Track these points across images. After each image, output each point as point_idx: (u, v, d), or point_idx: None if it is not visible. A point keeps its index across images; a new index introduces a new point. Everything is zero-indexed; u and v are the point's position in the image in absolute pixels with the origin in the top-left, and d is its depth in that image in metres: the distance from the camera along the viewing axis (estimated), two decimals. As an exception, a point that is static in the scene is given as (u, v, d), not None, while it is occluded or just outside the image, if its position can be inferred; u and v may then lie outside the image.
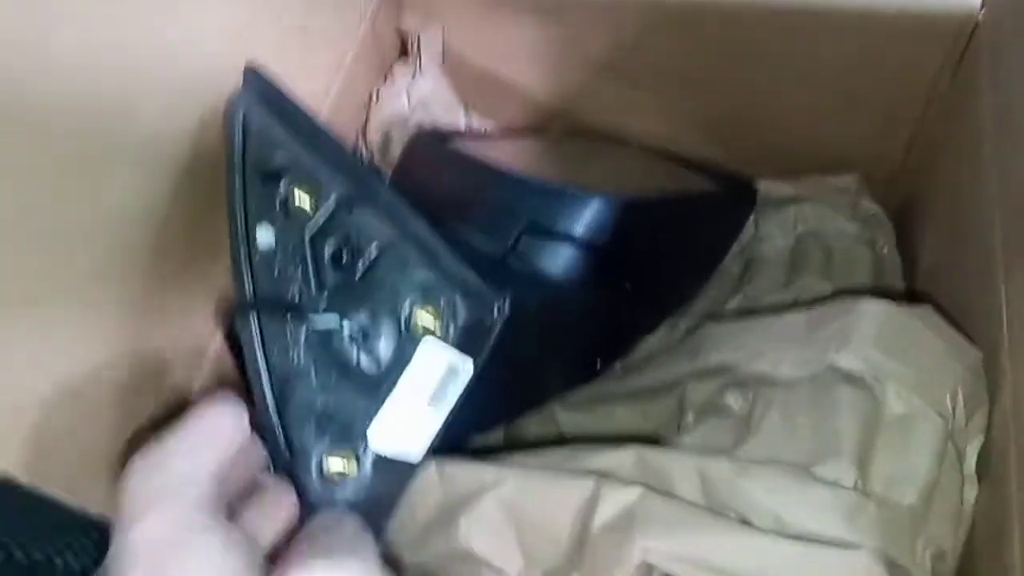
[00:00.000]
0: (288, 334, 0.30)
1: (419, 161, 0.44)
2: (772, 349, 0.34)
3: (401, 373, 0.29)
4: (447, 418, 0.30)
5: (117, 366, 0.33)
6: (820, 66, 0.47)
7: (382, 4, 0.48)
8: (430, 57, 0.50)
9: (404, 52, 0.52)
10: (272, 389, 0.30)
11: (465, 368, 0.30)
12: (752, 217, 0.52)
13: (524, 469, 0.31)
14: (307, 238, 0.30)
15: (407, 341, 0.30)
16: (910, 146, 0.50)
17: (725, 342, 0.37)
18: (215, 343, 0.39)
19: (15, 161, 0.26)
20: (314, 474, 0.29)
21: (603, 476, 0.30)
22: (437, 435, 0.30)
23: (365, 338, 0.30)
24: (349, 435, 0.29)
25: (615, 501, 0.29)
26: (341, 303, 0.30)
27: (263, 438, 0.30)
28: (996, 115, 0.38)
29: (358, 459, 0.29)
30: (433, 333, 0.29)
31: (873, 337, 0.32)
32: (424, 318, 0.30)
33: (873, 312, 0.33)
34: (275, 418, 0.29)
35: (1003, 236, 0.35)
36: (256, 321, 0.30)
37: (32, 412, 0.28)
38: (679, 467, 0.30)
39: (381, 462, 0.30)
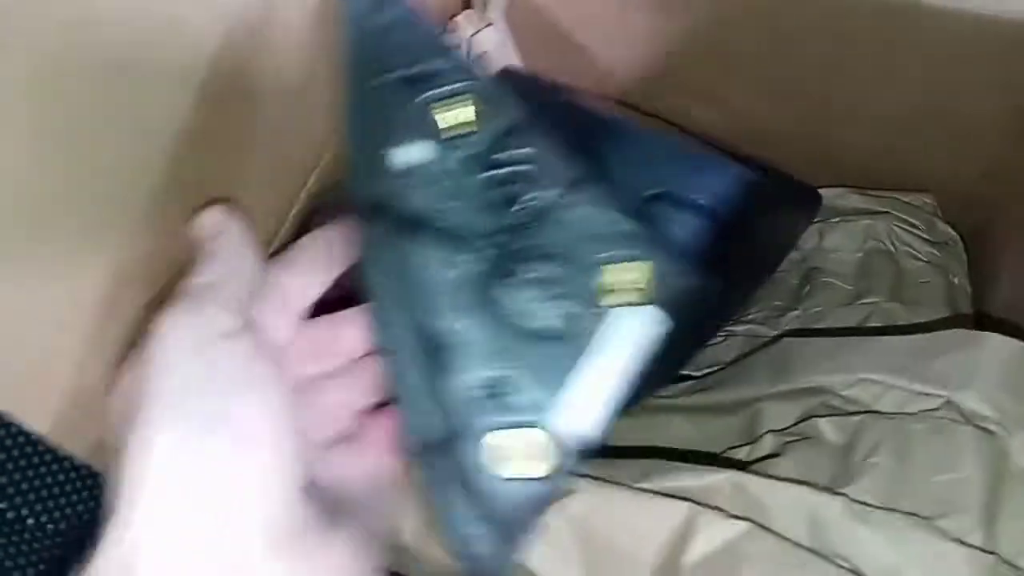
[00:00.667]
0: (441, 282, 0.24)
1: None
2: (874, 376, 0.31)
3: (596, 339, 0.23)
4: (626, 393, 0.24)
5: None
6: (905, 73, 0.43)
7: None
8: (495, 9, 0.46)
9: (467, 3, 0.47)
10: (419, 358, 0.24)
11: (653, 335, 0.24)
12: (817, 226, 0.49)
13: (597, 483, 0.27)
14: (468, 162, 0.24)
15: (602, 300, 0.24)
16: (992, 166, 0.47)
17: (815, 362, 0.33)
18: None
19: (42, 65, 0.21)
20: (478, 459, 0.23)
21: (696, 502, 0.26)
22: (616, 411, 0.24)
23: (551, 294, 0.24)
24: (528, 410, 0.23)
25: (714, 534, 0.25)
26: (516, 249, 0.24)
27: (402, 413, 0.24)
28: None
29: (539, 439, 0.23)
30: (625, 293, 0.24)
31: (1001, 378, 0.29)
32: (616, 275, 0.24)
33: (1001, 349, 0.29)
34: (424, 385, 0.24)
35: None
36: (390, 276, 0.24)
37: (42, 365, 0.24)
38: (783, 501, 0.26)
39: (565, 444, 0.24)
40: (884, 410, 0.30)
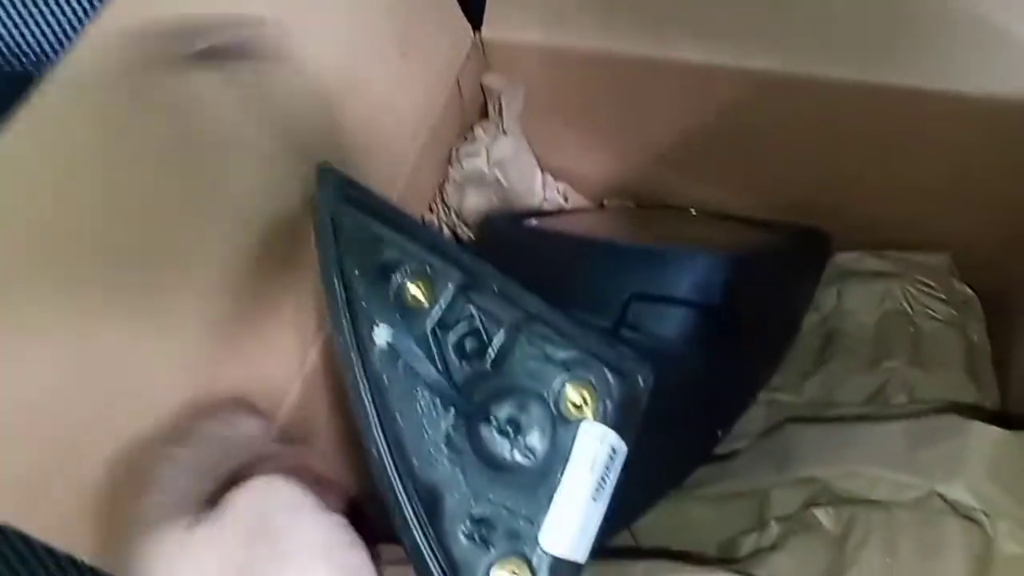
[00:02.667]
0: (426, 439, 0.27)
1: (499, 244, 0.43)
2: (868, 468, 0.33)
3: (563, 463, 0.27)
4: (607, 509, 0.28)
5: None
6: (923, 150, 0.44)
7: (468, 61, 0.47)
8: (511, 117, 0.49)
9: (485, 112, 0.51)
10: (414, 504, 0.27)
11: (621, 450, 0.28)
12: (835, 287, 0.50)
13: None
14: (429, 331, 0.28)
15: (562, 426, 0.27)
16: (1013, 232, 0.47)
17: (814, 453, 0.35)
18: (285, 412, 0.38)
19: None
20: None
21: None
22: (600, 529, 0.28)
23: (515, 429, 0.27)
24: (516, 540, 0.27)
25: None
26: (480, 397, 0.28)
27: (413, 562, 0.27)
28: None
29: (531, 566, 0.26)
30: (587, 413, 0.27)
31: (986, 468, 0.30)
32: (575, 397, 0.27)
33: (986, 439, 0.31)
34: (424, 536, 0.27)
35: None
36: (382, 434, 0.28)
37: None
38: (772, 601, 0.28)
39: (555, 567, 0.27)
40: (877, 499, 0.32)
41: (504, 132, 0.48)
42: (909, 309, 0.48)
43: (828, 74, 0.42)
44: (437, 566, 0.27)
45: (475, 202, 0.50)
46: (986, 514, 0.30)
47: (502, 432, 0.27)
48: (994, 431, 0.31)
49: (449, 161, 0.49)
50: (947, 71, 0.41)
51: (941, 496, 0.30)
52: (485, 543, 0.26)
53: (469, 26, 0.47)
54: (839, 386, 0.46)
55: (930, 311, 0.48)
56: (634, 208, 0.54)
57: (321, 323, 0.39)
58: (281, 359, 0.37)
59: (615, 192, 0.56)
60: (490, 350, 0.28)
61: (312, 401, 0.39)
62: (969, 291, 0.48)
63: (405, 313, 0.28)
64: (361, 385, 0.28)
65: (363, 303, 0.29)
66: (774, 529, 0.34)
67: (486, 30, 0.47)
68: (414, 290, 0.28)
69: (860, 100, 0.42)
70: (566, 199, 0.55)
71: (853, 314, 0.49)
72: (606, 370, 0.27)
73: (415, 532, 0.27)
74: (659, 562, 0.31)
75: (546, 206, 0.53)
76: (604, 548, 0.34)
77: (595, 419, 0.27)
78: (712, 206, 0.53)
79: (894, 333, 0.47)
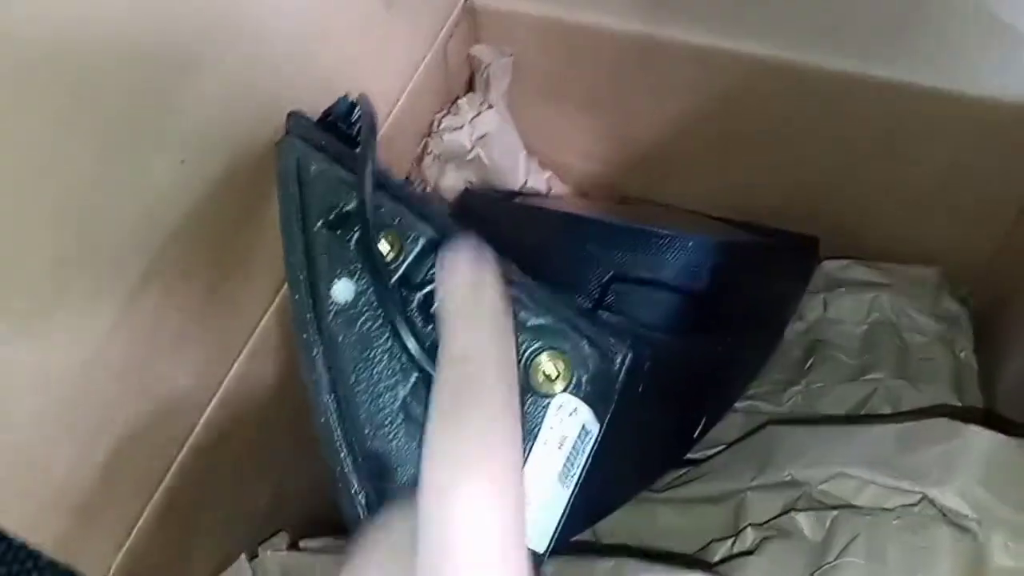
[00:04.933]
0: (381, 407, 0.25)
1: (475, 214, 0.41)
2: (856, 470, 0.30)
3: (530, 439, 0.23)
4: (573, 495, 0.24)
5: (120, 395, 0.29)
6: (917, 150, 0.43)
7: (456, 28, 0.45)
8: (498, 92, 0.47)
9: (471, 86, 0.49)
10: (362, 477, 0.25)
11: (592, 431, 0.25)
12: (821, 296, 0.48)
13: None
14: (393, 289, 0.25)
15: (530, 398, 0.24)
16: (1003, 246, 0.46)
17: (798, 455, 0.33)
18: (232, 378, 0.35)
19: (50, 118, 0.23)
20: None
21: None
22: (563, 518, 0.24)
23: None
24: None
25: (673, 640, 0.25)
26: None
27: None
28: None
29: None
30: (558, 386, 0.24)
31: (981, 473, 0.28)
32: (548, 368, 0.24)
33: (981, 443, 0.29)
34: (370, 514, 0.24)
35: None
36: (333, 401, 0.25)
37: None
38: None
39: None
40: (862, 505, 0.29)
41: (489, 106, 0.46)
42: (897, 321, 0.46)
43: (828, 64, 0.41)
44: None
45: (454, 180, 0.47)
46: (979, 522, 0.27)
47: None
48: (989, 435, 0.29)
49: (429, 132, 0.47)
50: (950, 69, 0.40)
51: (931, 502, 0.28)
52: None
53: (459, -12, 0.45)
54: (822, 397, 0.44)
55: (917, 325, 0.46)
56: (628, 204, 0.52)
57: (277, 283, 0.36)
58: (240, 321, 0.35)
59: (601, 187, 0.54)
60: None
61: (260, 366, 0.36)
62: (958, 306, 0.47)
63: (368, 268, 0.26)
64: (314, 347, 0.26)
65: (323, 256, 0.26)
66: (750, 535, 0.31)
67: (478, -3, 0.45)
68: (380, 242, 0.26)
69: (859, 94, 0.41)
70: (550, 189, 0.53)
71: (839, 323, 0.48)
72: (583, 342, 0.24)
73: (357, 509, 0.24)
74: (628, 560, 0.28)
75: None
76: (566, 544, 0.31)
77: (568, 393, 0.24)
78: (701, 207, 0.51)
79: (880, 345, 0.45)
